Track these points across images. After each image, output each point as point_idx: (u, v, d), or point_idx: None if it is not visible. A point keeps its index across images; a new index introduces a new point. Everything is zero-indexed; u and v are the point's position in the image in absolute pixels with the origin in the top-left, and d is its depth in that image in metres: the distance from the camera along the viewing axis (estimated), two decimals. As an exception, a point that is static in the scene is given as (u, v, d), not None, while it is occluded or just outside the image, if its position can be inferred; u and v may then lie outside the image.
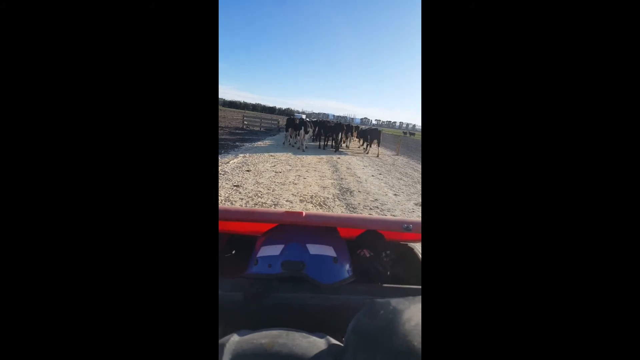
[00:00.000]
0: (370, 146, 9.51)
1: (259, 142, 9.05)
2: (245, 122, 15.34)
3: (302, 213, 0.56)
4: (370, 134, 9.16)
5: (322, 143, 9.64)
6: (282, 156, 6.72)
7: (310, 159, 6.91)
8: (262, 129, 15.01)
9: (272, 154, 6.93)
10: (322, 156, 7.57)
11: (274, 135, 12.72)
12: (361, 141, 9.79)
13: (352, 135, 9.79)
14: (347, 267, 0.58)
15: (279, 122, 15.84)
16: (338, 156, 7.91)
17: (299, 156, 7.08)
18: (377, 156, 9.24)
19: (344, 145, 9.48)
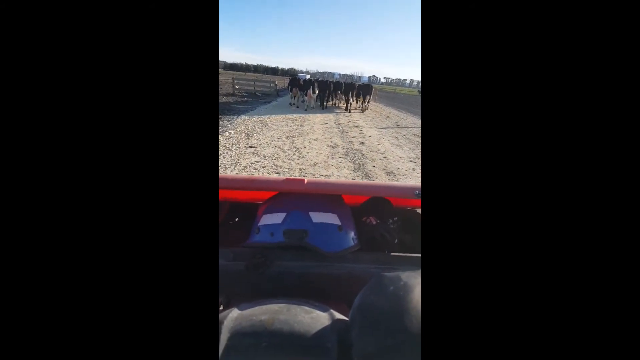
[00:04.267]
0: (365, 101, 9.60)
1: (245, 116, 6.23)
2: (237, 87, 12.34)
3: (304, 180, 0.54)
4: (362, 89, 9.49)
5: (325, 104, 9.61)
6: (269, 148, 3.96)
7: (316, 149, 4.13)
8: (256, 93, 11.97)
9: (254, 143, 4.16)
10: (333, 138, 4.79)
11: (268, 102, 9.73)
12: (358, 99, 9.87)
13: (353, 93, 9.61)
14: (352, 235, 0.56)
15: (276, 85, 12.68)
16: (360, 140, 5.06)
17: (297, 144, 4.31)
18: (363, 111, 9.38)
19: (343, 105, 9.60)
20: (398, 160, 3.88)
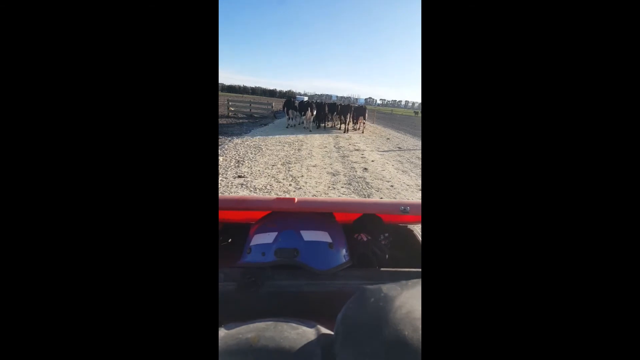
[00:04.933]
0: (359, 121, 9.77)
1: (237, 139, 5.82)
2: (232, 109, 12.15)
3: (294, 199, 0.53)
4: (356, 111, 9.63)
5: (322, 124, 9.94)
6: (261, 178, 3.51)
7: (315, 178, 3.69)
8: (252, 115, 11.74)
9: (245, 171, 3.72)
10: (334, 163, 4.36)
11: (264, 124, 9.42)
12: (355, 120, 9.98)
13: (350, 115, 9.68)
14: (344, 252, 0.56)
15: (272, 106, 12.51)
16: (363, 165, 4.65)
17: (294, 172, 3.87)
18: (362, 132, 9.56)
19: (340, 125, 9.79)
20: (406, 189, 3.43)
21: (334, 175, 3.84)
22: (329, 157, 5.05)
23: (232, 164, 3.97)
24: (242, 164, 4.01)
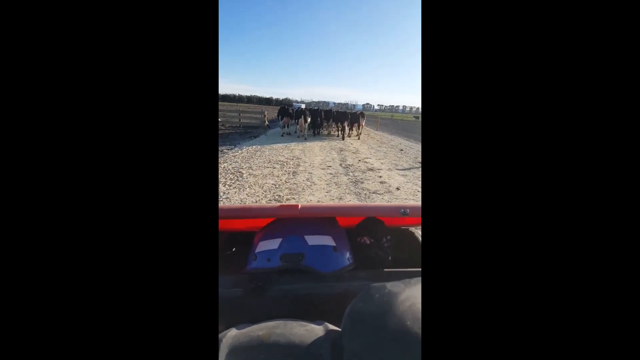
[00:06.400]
0: (353, 129, 9.39)
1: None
2: (220, 119, 10.83)
3: (297, 206, 0.56)
4: (352, 117, 9.35)
5: (318, 131, 9.79)
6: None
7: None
8: (240, 126, 10.41)
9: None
10: (345, 197, 2.94)
11: (254, 136, 8.02)
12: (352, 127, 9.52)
13: (347, 122, 9.26)
14: (348, 255, 0.58)
15: (265, 115, 11.16)
16: (387, 197, 3.21)
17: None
18: (358, 137, 9.28)
19: (337, 133, 9.59)
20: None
21: (349, 223, 2.42)
22: (335, 183, 3.63)
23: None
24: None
